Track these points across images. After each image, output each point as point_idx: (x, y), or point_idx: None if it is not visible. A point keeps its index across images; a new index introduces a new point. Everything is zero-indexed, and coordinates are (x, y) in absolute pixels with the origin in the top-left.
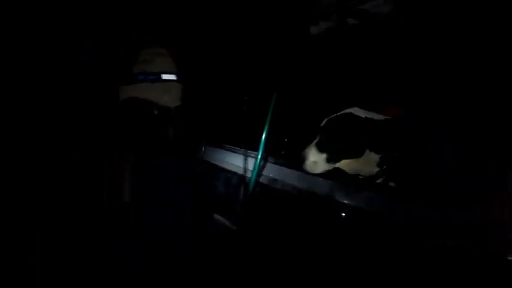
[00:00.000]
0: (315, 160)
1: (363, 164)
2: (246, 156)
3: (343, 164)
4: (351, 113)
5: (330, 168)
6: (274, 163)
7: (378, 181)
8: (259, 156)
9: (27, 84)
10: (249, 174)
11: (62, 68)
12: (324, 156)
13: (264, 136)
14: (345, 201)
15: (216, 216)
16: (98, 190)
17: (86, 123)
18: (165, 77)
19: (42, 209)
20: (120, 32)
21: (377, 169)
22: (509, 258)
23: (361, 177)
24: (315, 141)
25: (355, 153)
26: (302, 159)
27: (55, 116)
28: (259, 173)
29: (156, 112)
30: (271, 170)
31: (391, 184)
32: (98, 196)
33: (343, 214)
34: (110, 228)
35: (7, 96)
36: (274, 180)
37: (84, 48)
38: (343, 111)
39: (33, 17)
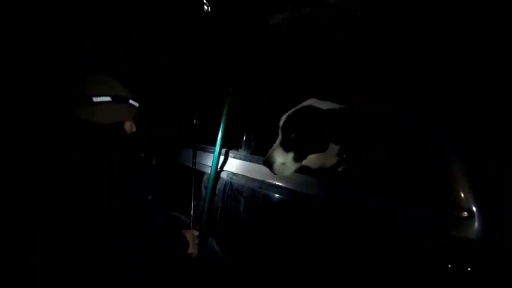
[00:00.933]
0: (283, 162)
1: (325, 157)
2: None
3: (308, 160)
4: (310, 105)
5: (298, 167)
6: (234, 158)
7: (338, 170)
8: (217, 153)
9: (27, 84)
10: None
11: (62, 67)
12: (291, 155)
13: (220, 134)
14: (307, 192)
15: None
16: (97, 190)
17: (85, 123)
18: (96, 99)
19: (42, 209)
20: (120, 32)
21: (337, 159)
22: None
23: (324, 169)
24: (279, 140)
25: (321, 148)
26: (269, 163)
27: (55, 115)
28: (218, 169)
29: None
30: (231, 165)
31: (352, 173)
32: (97, 196)
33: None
34: (110, 228)
35: (7, 96)
36: (234, 174)
37: (84, 48)
38: (301, 105)
39: (33, 17)
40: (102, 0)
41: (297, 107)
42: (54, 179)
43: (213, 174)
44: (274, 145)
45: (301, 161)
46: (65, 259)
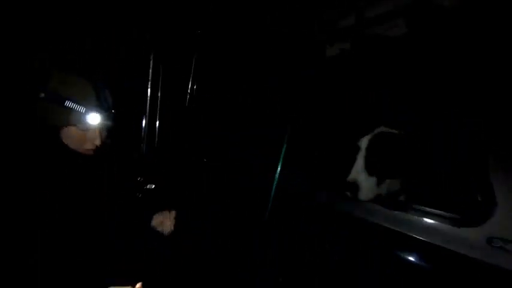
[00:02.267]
0: (367, 185)
1: (391, 182)
2: None
3: (390, 184)
4: (388, 131)
5: (379, 192)
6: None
7: (400, 198)
8: (277, 177)
9: (27, 84)
10: None
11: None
12: (374, 179)
13: (277, 174)
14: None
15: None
16: (97, 190)
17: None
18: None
19: (42, 209)
20: (120, 32)
21: (399, 186)
22: None
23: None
24: (362, 163)
25: (400, 173)
26: (354, 187)
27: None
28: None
29: None
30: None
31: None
32: (97, 196)
33: None
34: (110, 228)
35: (7, 96)
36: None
37: (84, 48)
38: (377, 131)
39: (32, 17)
40: (102, 0)
41: (375, 131)
42: (54, 179)
43: (272, 194)
44: (357, 168)
45: (381, 185)
46: (65, 259)
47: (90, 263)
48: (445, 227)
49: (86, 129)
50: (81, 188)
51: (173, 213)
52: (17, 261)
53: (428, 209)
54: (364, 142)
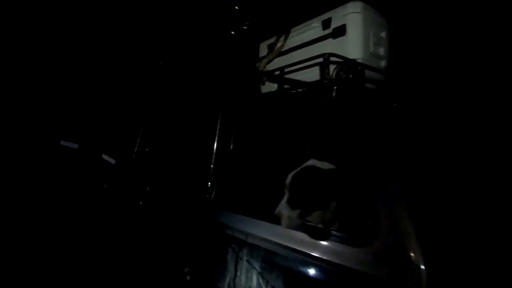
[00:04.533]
0: (290, 216)
1: (327, 213)
2: None
3: (313, 216)
4: (313, 165)
5: (303, 222)
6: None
7: (332, 227)
8: None
9: (28, 86)
10: None
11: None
12: (297, 212)
13: None
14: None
15: None
16: (97, 191)
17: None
18: None
19: (42, 209)
20: (120, 31)
21: (333, 214)
22: None
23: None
24: (286, 198)
25: (323, 205)
26: (278, 217)
27: (58, 117)
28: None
29: None
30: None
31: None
32: (96, 197)
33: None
34: (109, 228)
35: (8, 98)
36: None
37: (86, 49)
38: (304, 165)
39: (33, 18)
40: (102, 0)
41: (300, 167)
42: (54, 180)
43: None
44: (282, 201)
45: (305, 217)
46: (64, 259)
47: (89, 263)
48: (344, 247)
49: None
50: (81, 189)
51: None
52: (17, 261)
53: (333, 233)
54: (288, 178)
